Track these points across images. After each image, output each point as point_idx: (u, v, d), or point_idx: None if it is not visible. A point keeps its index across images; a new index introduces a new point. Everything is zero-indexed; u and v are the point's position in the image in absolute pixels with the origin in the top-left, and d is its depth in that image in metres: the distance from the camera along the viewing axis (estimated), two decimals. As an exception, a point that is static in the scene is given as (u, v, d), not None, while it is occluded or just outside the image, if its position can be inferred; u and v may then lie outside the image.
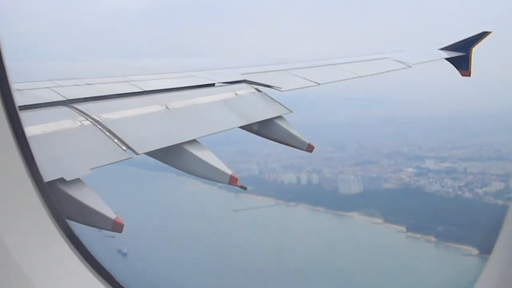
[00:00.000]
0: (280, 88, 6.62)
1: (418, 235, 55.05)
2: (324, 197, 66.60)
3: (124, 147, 4.25)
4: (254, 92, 6.40)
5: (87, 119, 4.38)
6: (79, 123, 4.30)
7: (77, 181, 3.75)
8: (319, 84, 7.16)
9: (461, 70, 10.24)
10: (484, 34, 10.36)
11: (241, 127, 5.74)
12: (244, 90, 6.38)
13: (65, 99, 4.64)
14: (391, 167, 70.68)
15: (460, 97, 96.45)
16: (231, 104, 5.93)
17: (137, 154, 4.33)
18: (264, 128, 5.99)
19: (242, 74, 6.83)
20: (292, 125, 6.08)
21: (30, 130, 3.63)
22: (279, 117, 6.09)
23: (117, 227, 3.73)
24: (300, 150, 6.07)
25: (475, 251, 43.59)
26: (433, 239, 53.89)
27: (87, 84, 5.23)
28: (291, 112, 6.25)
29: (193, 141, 4.85)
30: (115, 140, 4.28)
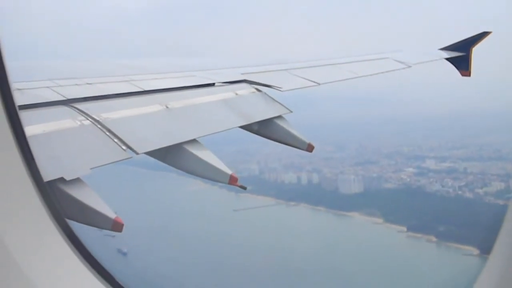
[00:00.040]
0: (280, 88, 6.62)
1: (419, 235, 55.06)
2: (324, 197, 66.62)
3: (124, 147, 4.25)
4: (254, 92, 6.40)
5: (87, 119, 4.38)
6: (79, 123, 4.30)
7: (77, 180, 3.75)
8: (319, 84, 7.16)
9: (461, 70, 10.25)
10: (484, 34, 10.37)
11: (241, 127, 5.74)
12: (244, 90, 6.38)
13: (65, 98, 4.64)
14: (392, 167, 70.72)
15: (460, 97, 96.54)
16: (231, 104, 5.94)
17: (137, 153, 4.34)
18: (264, 128, 5.99)
19: (242, 74, 6.83)
20: (292, 125, 6.08)
21: (30, 130, 3.63)
22: (279, 117, 6.09)
23: (117, 226, 3.73)
24: (300, 150, 6.07)
25: (476, 251, 43.57)
26: (433, 239, 53.88)
27: (87, 83, 5.23)
28: (291, 112, 6.25)
29: (193, 141, 4.85)
30: (115, 140, 4.28)
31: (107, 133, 4.31)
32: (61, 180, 3.63)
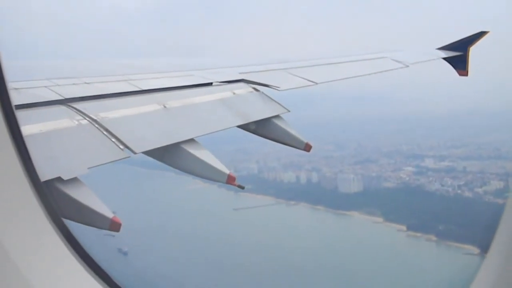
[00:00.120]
0: (278, 87, 6.62)
1: (419, 234, 55.05)
2: (324, 196, 66.58)
3: (121, 146, 4.26)
4: (252, 92, 6.40)
5: (85, 118, 4.39)
6: (76, 122, 4.30)
7: (74, 180, 3.75)
8: (316, 83, 7.17)
9: (458, 70, 10.24)
10: (481, 34, 10.37)
11: (239, 127, 5.74)
12: (242, 89, 6.38)
13: (62, 98, 4.63)
14: (391, 166, 70.70)
15: (459, 96, 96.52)
16: (229, 103, 5.94)
17: (134, 153, 4.34)
18: (262, 127, 5.99)
19: (240, 73, 6.83)
20: (290, 125, 6.08)
21: (27, 129, 3.65)
22: (277, 116, 6.09)
23: (114, 226, 3.73)
24: (299, 149, 6.07)
25: (476, 250, 43.55)
26: (433, 238, 53.87)
27: (85, 83, 5.23)
28: (289, 111, 6.25)
29: (190, 140, 4.86)
30: (113, 139, 4.28)
31: (105, 133, 4.31)
32: (59, 179, 3.63)
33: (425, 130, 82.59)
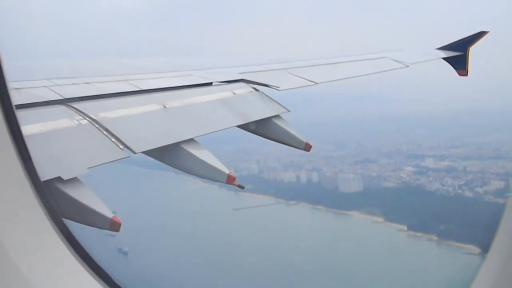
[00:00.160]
0: (278, 87, 6.62)
1: (419, 234, 55.06)
2: (324, 196, 66.61)
3: (121, 146, 4.26)
4: (251, 91, 6.40)
5: (85, 118, 4.39)
6: (76, 122, 4.31)
7: (74, 180, 3.75)
8: (316, 83, 7.17)
9: (458, 70, 10.23)
10: (481, 34, 10.36)
11: (239, 126, 5.75)
12: (242, 89, 6.38)
13: (62, 98, 4.64)
14: (391, 166, 70.74)
15: (459, 96, 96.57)
16: (228, 103, 5.94)
17: (134, 153, 4.34)
18: (261, 127, 5.99)
19: (240, 73, 6.83)
20: (290, 124, 6.09)
21: (27, 129, 3.65)
22: (277, 116, 6.09)
23: (114, 226, 3.73)
24: (299, 149, 6.08)
25: (476, 250, 43.54)
26: (434, 238, 53.89)
27: (85, 83, 5.23)
28: (289, 111, 6.26)
29: (190, 140, 4.86)
30: (113, 139, 4.28)
31: (105, 133, 4.32)
32: (59, 179, 3.63)
33: (425, 130, 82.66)
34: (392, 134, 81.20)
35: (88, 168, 3.92)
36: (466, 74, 10.29)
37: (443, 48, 10.49)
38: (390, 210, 59.81)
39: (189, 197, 67.51)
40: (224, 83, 6.52)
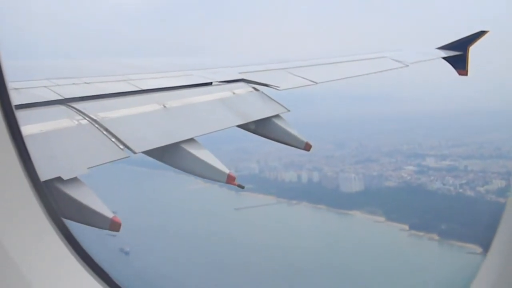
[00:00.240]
0: (278, 87, 6.63)
1: (421, 233, 54.98)
2: (325, 195, 66.51)
3: (121, 146, 4.27)
4: (251, 91, 6.41)
5: (85, 118, 4.40)
6: (76, 122, 4.32)
7: (74, 180, 3.76)
8: (316, 83, 7.18)
9: (458, 70, 10.23)
10: (481, 33, 10.36)
11: (239, 126, 5.75)
12: (242, 89, 6.39)
13: (62, 98, 4.65)
14: (392, 165, 70.64)
15: (459, 95, 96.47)
16: (228, 103, 5.95)
17: (134, 153, 4.35)
18: (261, 127, 6.00)
19: (240, 73, 6.84)
20: (290, 124, 6.09)
21: (27, 129, 3.66)
22: (277, 116, 6.10)
23: (114, 226, 3.74)
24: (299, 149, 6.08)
25: (478, 249, 43.46)
26: (436, 237, 53.79)
27: (85, 83, 5.24)
28: (289, 111, 6.26)
29: (190, 140, 4.87)
30: (113, 139, 4.29)
31: (105, 133, 4.32)
32: (59, 179, 3.64)
33: (425, 130, 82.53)
34: (392, 134, 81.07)
35: (88, 168, 3.93)
36: (466, 74, 10.29)
37: (443, 47, 10.49)
38: (391, 210, 59.69)
39: (190, 197, 67.41)
40: (224, 83, 6.53)
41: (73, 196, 3.66)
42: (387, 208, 60.19)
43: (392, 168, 69.87)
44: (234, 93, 6.21)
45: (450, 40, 10.53)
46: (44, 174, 3.34)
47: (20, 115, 2.86)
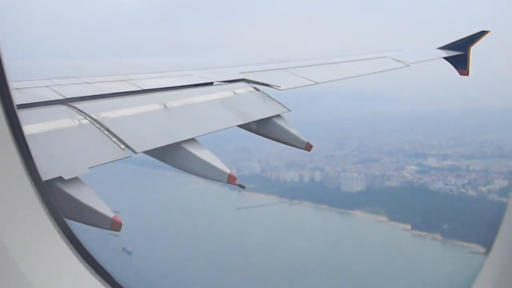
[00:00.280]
0: (279, 87, 6.63)
1: (424, 233, 54.94)
2: (327, 195, 66.50)
3: (122, 146, 4.27)
4: (252, 91, 6.42)
5: (86, 118, 4.40)
6: (77, 122, 4.32)
7: (75, 179, 3.76)
8: (317, 83, 7.19)
9: (459, 69, 10.23)
10: (482, 33, 10.36)
11: (240, 126, 5.76)
12: (243, 89, 6.40)
13: (63, 97, 4.65)
14: (393, 165, 70.60)
15: (460, 95, 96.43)
16: (229, 103, 5.95)
17: (135, 153, 4.35)
18: (262, 127, 6.00)
19: (241, 73, 6.85)
20: (291, 124, 6.10)
21: (28, 129, 3.66)
22: (278, 116, 6.10)
23: (115, 226, 3.74)
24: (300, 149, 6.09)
25: (481, 249, 43.35)
26: (439, 237, 53.75)
27: (86, 83, 5.25)
28: (290, 111, 6.27)
29: (191, 140, 4.87)
30: (114, 139, 4.30)
31: (106, 132, 4.33)
32: (60, 179, 3.65)
33: (426, 129, 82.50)
34: (393, 134, 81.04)
35: (89, 168, 3.93)
36: (467, 74, 10.29)
37: (444, 47, 10.49)
38: (393, 209, 59.65)
39: (191, 196, 67.42)
40: (225, 82, 6.54)
41: (74, 196, 3.67)
42: (389, 208, 60.18)
43: (393, 168, 69.85)
44: (235, 93, 6.21)
45: (451, 40, 10.54)
46: (46, 173, 3.34)
47: (21, 114, 2.87)
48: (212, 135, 5.23)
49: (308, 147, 5.99)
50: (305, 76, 7.25)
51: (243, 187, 5.42)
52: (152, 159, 4.85)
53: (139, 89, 5.46)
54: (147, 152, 4.59)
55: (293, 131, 6.00)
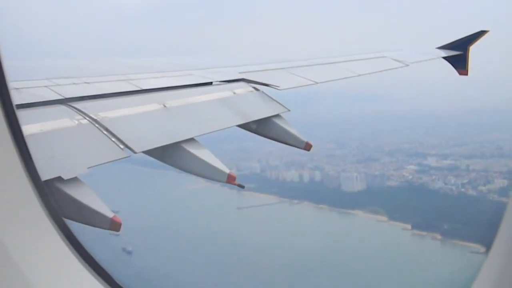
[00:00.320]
0: (278, 86, 6.64)
1: (424, 233, 54.90)
2: (327, 195, 66.46)
3: (122, 146, 4.27)
4: (252, 91, 6.42)
5: (85, 118, 4.41)
6: (76, 122, 4.33)
7: (74, 179, 3.77)
8: (316, 82, 7.19)
9: (458, 69, 10.23)
10: (481, 33, 10.36)
11: (239, 126, 5.76)
12: (242, 88, 6.41)
13: (63, 97, 4.66)
14: (393, 165, 70.54)
15: (459, 95, 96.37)
16: (229, 103, 5.96)
17: (135, 152, 4.35)
18: (262, 127, 6.00)
19: (240, 72, 6.86)
20: (290, 124, 6.10)
21: (27, 129, 3.67)
22: (277, 115, 6.11)
23: (114, 225, 3.75)
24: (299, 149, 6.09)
25: (481, 249, 43.32)
26: (439, 236, 53.70)
27: (85, 82, 5.25)
28: (289, 110, 6.27)
29: (191, 140, 4.87)
30: (113, 139, 4.30)
31: (105, 132, 4.33)
32: (59, 179, 3.65)
33: (426, 129, 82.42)
34: (392, 133, 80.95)
35: (89, 167, 3.93)
36: (466, 73, 10.29)
37: (443, 47, 10.49)
38: (393, 209, 59.58)
39: (192, 196, 67.36)
40: (224, 82, 6.54)
41: (73, 196, 3.67)
42: (389, 207, 60.12)
43: (393, 167, 69.77)
44: (234, 92, 6.22)
45: (450, 40, 10.53)
46: (45, 173, 3.34)
47: (21, 114, 2.87)
48: (211, 135, 5.23)
49: (307, 146, 5.99)
50: (304, 76, 7.26)
51: (243, 187, 5.43)
52: (151, 159, 4.85)
53: (139, 89, 5.46)
54: (147, 152, 4.60)
55: (293, 131, 6.01)
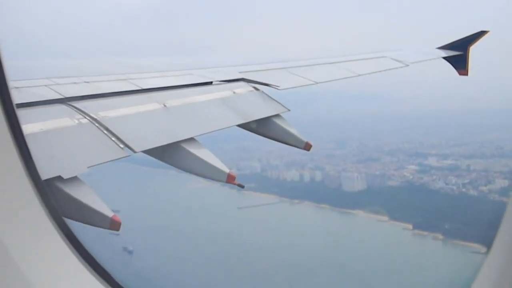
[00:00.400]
0: (278, 86, 6.64)
1: (425, 233, 54.87)
2: (328, 195, 66.43)
3: (121, 145, 4.28)
4: (252, 91, 6.43)
5: (85, 117, 4.41)
6: (76, 121, 4.33)
7: (74, 179, 3.77)
8: (316, 82, 7.19)
9: (458, 69, 10.23)
10: (481, 33, 10.36)
11: (239, 125, 5.76)
12: (242, 88, 6.41)
13: (62, 97, 4.66)
14: (394, 164, 70.52)
15: (459, 95, 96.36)
16: (228, 102, 5.96)
17: (134, 152, 4.36)
18: (262, 127, 6.00)
19: (240, 72, 6.86)
20: (290, 124, 6.10)
21: (27, 128, 3.67)
22: (277, 115, 6.11)
23: (114, 225, 3.75)
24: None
25: (482, 249, 43.26)
26: (440, 236, 53.68)
27: (85, 82, 5.26)
28: (289, 110, 6.28)
29: (190, 139, 4.87)
30: (113, 138, 4.30)
31: (105, 132, 4.33)
32: (59, 178, 3.65)
33: (426, 129, 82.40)
34: (393, 133, 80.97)
35: (89, 167, 3.94)
36: (467, 74, 10.29)
37: (443, 47, 10.49)
38: (394, 209, 59.53)
39: (192, 196, 67.33)
40: (224, 82, 6.54)
41: (73, 195, 3.67)
42: (390, 207, 60.08)
43: (394, 167, 69.75)
44: (234, 92, 6.22)
45: (451, 40, 10.53)
46: (45, 173, 3.35)
47: (21, 114, 2.87)
48: (211, 134, 5.23)
49: (307, 146, 6.00)
50: (304, 76, 7.26)
51: (242, 187, 5.44)
52: (151, 158, 4.85)
53: (139, 88, 5.47)
54: (147, 152, 4.60)
55: (293, 130, 6.01)
